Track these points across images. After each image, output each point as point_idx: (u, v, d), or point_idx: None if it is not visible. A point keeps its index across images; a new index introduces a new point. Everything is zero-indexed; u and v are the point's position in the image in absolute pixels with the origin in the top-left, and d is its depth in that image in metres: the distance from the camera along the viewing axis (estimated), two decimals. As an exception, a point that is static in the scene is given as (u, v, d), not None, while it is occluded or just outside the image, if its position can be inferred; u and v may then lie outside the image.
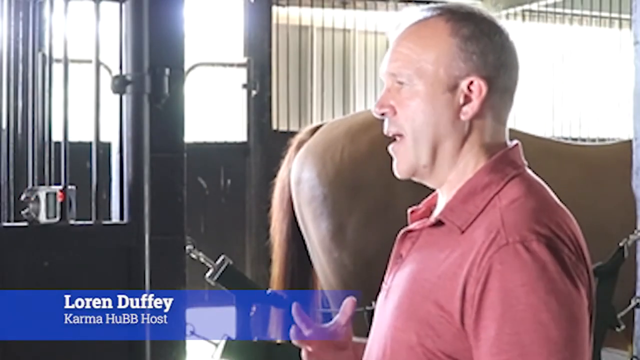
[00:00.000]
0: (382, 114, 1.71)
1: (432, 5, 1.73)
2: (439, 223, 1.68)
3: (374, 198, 4.03)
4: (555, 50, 8.96)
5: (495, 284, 1.55)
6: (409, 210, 1.80)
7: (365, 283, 3.79)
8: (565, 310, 1.54)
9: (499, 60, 1.68)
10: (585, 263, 1.62)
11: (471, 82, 1.66)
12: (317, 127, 4.32)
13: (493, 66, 1.67)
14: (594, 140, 8.07)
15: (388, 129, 1.71)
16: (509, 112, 1.72)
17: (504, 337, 1.54)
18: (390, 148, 1.72)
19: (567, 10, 9.00)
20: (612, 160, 4.52)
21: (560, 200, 1.69)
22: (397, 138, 1.70)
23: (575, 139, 7.68)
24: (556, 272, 1.55)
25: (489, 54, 1.67)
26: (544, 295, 1.53)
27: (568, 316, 1.54)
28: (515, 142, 1.73)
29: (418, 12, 1.72)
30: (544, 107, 8.93)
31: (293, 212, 4.14)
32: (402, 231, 1.75)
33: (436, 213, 1.72)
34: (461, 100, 1.67)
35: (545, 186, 1.69)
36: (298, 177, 4.13)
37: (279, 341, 3.60)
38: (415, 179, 1.73)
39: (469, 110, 1.67)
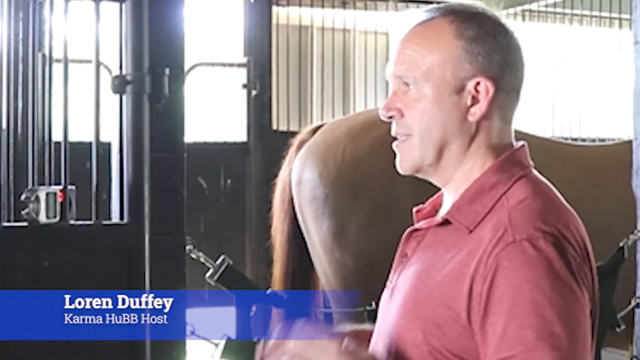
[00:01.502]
0: (390, 117, 1.70)
1: (435, 6, 1.72)
2: (445, 222, 1.67)
3: (375, 198, 4.02)
4: (555, 50, 8.96)
5: (502, 280, 1.55)
6: (414, 210, 1.80)
7: (366, 283, 3.79)
8: (569, 307, 1.54)
9: (505, 60, 1.68)
10: (589, 265, 1.63)
11: (478, 83, 1.66)
12: (318, 127, 4.31)
13: (499, 66, 1.67)
14: (594, 140, 8.07)
15: (396, 131, 1.71)
16: (515, 111, 1.72)
17: (510, 333, 1.54)
18: (394, 145, 1.72)
19: (567, 10, 8.99)
20: (612, 160, 4.51)
21: (561, 200, 1.69)
22: (404, 137, 1.70)
23: (575, 139, 7.68)
24: (561, 270, 1.55)
25: (495, 54, 1.67)
26: (549, 292, 1.54)
27: (572, 313, 1.55)
28: (521, 142, 1.73)
29: (421, 12, 1.71)
30: (544, 107, 8.93)
31: (294, 212, 4.13)
32: (407, 230, 1.75)
33: (442, 212, 1.72)
34: (469, 102, 1.67)
35: (552, 187, 1.70)
36: (299, 177, 4.12)
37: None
38: (419, 175, 1.73)
39: (476, 112, 1.67)
